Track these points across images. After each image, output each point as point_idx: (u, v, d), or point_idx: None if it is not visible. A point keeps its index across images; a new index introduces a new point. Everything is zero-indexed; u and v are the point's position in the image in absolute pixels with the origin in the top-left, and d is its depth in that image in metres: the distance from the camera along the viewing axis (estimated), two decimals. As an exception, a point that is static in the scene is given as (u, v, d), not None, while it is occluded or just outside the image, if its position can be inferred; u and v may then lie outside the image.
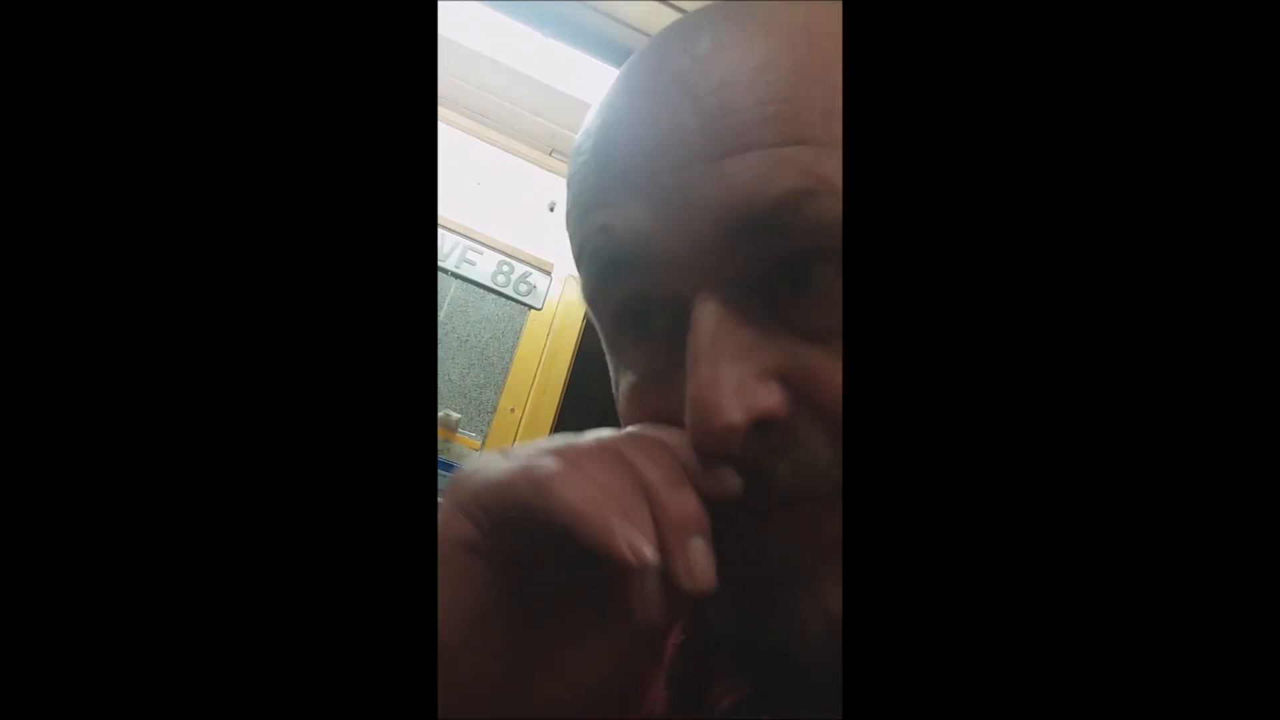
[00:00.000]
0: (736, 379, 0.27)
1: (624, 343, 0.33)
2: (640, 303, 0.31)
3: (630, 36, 1.84)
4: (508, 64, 1.94)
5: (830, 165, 0.28)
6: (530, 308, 2.10)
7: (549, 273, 2.13)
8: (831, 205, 0.27)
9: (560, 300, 2.12)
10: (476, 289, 2.08)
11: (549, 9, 1.80)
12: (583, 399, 2.24)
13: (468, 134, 2.17)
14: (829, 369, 0.28)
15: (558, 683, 0.29)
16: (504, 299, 2.09)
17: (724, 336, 0.28)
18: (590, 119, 0.34)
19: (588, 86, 1.91)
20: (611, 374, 0.35)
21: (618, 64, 1.85)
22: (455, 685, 0.27)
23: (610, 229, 0.30)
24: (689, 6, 1.76)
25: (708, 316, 0.28)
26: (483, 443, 2.00)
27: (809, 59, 0.29)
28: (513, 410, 2.02)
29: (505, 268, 2.11)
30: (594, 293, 0.33)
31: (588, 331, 2.15)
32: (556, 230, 2.18)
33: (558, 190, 2.22)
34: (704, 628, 0.36)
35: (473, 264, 2.08)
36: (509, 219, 2.14)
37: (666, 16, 1.77)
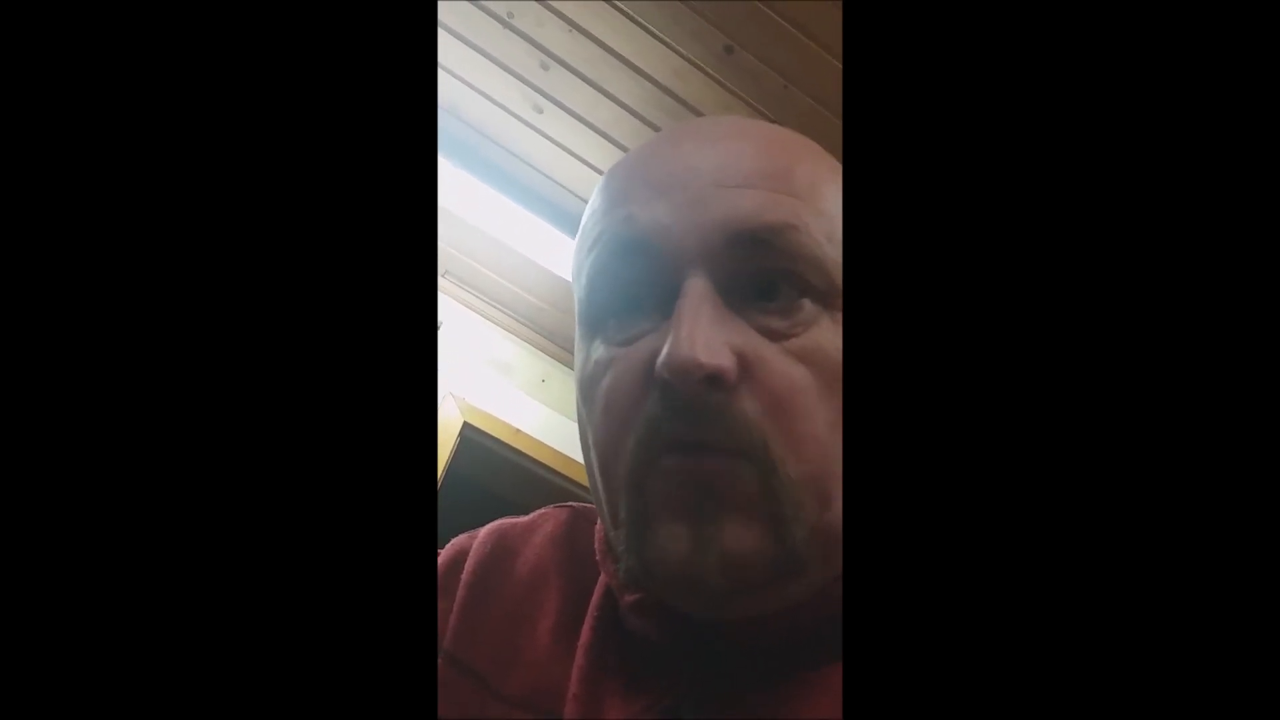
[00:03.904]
0: (708, 334, 0.36)
1: (607, 320, 0.40)
2: (637, 284, 0.39)
3: (509, 158, 1.94)
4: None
5: (809, 215, 0.38)
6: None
7: (428, 388, 2.14)
8: (805, 242, 0.38)
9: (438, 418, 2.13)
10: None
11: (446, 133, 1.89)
12: (452, 514, 2.21)
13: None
14: (775, 360, 0.37)
15: None
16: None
17: (706, 304, 0.36)
18: (622, 159, 0.44)
19: (484, 212, 1.98)
20: (579, 349, 0.43)
21: (504, 189, 1.93)
22: None
23: (634, 218, 0.39)
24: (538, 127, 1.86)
25: (698, 288, 0.37)
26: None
27: (801, 150, 0.42)
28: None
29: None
30: (600, 270, 0.40)
31: (460, 449, 2.16)
32: (443, 350, 2.21)
33: (445, 309, 2.26)
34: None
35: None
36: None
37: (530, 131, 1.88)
